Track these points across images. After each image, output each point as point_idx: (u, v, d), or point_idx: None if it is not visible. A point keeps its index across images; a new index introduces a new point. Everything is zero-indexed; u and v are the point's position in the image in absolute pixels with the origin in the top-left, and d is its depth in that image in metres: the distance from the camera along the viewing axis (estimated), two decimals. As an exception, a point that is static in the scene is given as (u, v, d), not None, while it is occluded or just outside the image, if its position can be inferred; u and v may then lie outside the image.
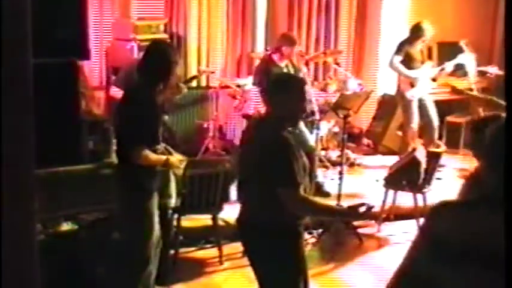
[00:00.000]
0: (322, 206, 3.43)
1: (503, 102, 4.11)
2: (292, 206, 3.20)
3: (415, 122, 7.00)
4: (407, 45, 6.86)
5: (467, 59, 6.95)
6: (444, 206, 2.20)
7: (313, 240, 5.47)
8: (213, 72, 7.25)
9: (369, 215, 3.31)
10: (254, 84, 6.51)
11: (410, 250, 2.27)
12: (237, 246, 4.79)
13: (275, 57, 6.36)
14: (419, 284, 2.17)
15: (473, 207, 2.14)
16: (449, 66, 6.91)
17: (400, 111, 7.26)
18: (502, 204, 2.02)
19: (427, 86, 6.94)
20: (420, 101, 6.98)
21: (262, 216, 3.28)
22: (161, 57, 3.97)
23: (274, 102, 3.35)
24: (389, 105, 7.95)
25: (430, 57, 7.49)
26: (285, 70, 6.30)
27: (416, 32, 6.83)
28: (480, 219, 2.09)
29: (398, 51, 6.85)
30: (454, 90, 6.11)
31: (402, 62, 6.83)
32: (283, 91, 3.35)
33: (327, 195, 6.14)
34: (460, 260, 2.07)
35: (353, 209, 3.23)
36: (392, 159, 6.50)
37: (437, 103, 7.19)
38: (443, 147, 6.01)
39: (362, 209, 3.21)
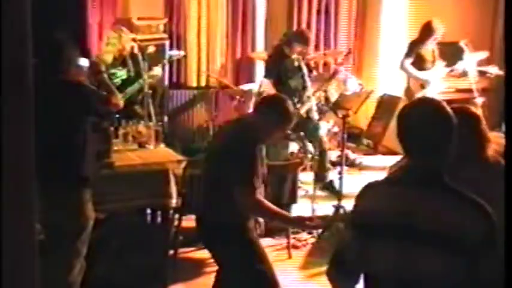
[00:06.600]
0: (274, 211, 3.56)
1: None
2: (246, 204, 3.37)
3: None
4: (418, 46, 6.77)
5: (472, 59, 6.93)
6: (368, 187, 2.35)
7: (313, 240, 5.47)
8: None
9: (316, 227, 3.75)
10: (265, 76, 6.53)
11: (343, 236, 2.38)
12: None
13: (285, 50, 6.37)
14: (352, 268, 2.27)
15: (394, 183, 2.24)
16: (459, 67, 6.87)
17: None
18: (421, 180, 2.16)
19: (437, 87, 6.90)
20: None
21: (216, 210, 3.49)
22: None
23: (262, 118, 3.50)
24: (389, 105, 7.95)
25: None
26: (295, 64, 6.34)
27: (427, 31, 6.75)
28: (400, 195, 2.21)
29: (408, 53, 6.75)
30: None
31: (413, 62, 6.75)
32: (275, 114, 3.50)
33: (336, 192, 6.09)
34: (386, 235, 2.16)
35: (300, 220, 3.66)
36: (392, 159, 6.50)
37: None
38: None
39: (308, 223, 3.57)
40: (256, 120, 3.52)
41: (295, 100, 6.08)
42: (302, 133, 6.25)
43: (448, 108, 2.19)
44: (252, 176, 3.32)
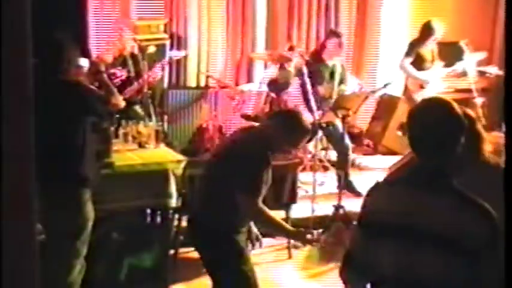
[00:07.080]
0: (275, 221, 3.59)
1: None
2: (248, 212, 3.41)
3: None
4: (418, 46, 6.74)
5: (471, 59, 6.92)
6: (376, 187, 2.35)
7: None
8: None
9: (314, 241, 3.65)
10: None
11: (352, 235, 2.39)
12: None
13: (323, 55, 6.34)
14: (362, 267, 2.28)
15: (402, 184, 2.25)
16: (459, 67, 6.85)
17: (401, 111, 7.22)
18: (430, 181, 2.15)
19: (436, 87, 6.88)
20: None
21: (213, 212, 3.49)
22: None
23: (275, 132, 3.49)
24: (388, 105, 7.95)
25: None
26: (330, 70, 6.33)
27: (426, 31, 6.73)
28: (409, 195, 2.20)
29: (408, 52, 6.73)
30: None
31: (412, 62, 6.72)
32: (289, 129, 3.51)
33: (357, 194, 6.09)
34: (394, 236, 2.19)
35: (301, 233, 3.57)
36: (392, 159, 6.50)
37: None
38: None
39: (308, 236, 3.54)
40: (270, 132, 3.52)
41: (318, 106, 6.06)
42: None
43: (459, 108, 2.17)
44: (258, 185, 3.36)
